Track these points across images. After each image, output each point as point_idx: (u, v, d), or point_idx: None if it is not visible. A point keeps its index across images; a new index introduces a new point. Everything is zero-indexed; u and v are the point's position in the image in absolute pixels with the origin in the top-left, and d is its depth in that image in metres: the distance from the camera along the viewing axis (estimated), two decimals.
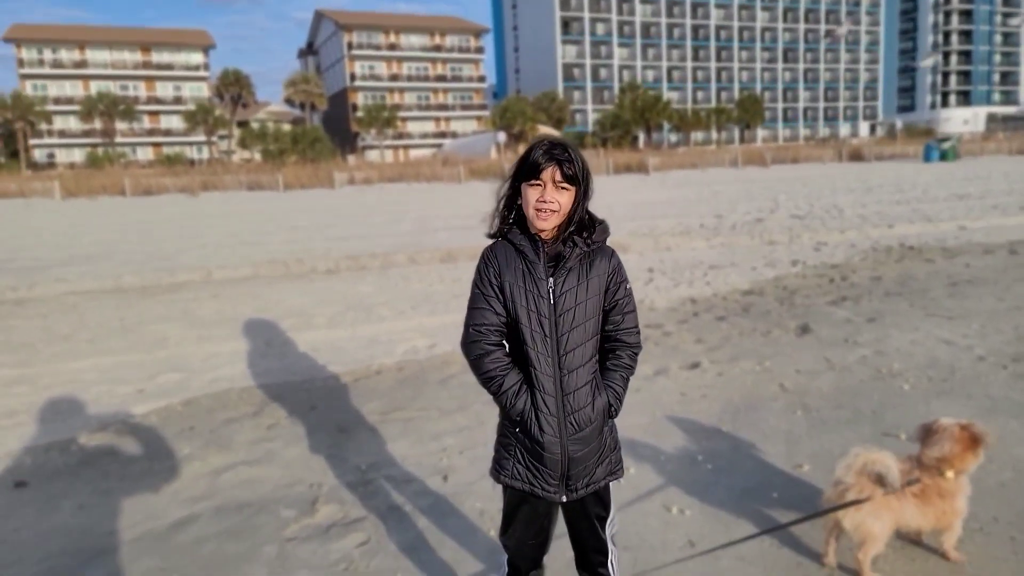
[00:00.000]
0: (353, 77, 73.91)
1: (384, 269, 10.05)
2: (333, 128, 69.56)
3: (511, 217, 1.95)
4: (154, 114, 68.84)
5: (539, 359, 1.90)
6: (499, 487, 2.08)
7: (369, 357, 5.71)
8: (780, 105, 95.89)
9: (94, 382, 5.28)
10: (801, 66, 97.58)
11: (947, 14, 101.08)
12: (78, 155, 62.20)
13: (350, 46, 73.79)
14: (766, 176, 31.52)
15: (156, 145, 67.38)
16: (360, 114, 66.31)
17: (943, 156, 37.99)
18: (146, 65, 68.91)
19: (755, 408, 4.32)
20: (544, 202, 1.84)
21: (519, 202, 1.92)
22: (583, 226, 1.92)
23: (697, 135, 78.27)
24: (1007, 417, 4.03)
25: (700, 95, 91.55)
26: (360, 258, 10.48)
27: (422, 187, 32.67)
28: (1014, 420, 3.98)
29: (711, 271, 8.98)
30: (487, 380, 1.96)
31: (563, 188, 1.84)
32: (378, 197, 27.01)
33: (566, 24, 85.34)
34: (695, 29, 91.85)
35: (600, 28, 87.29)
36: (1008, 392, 4.40)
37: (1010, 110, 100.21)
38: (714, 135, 78.65)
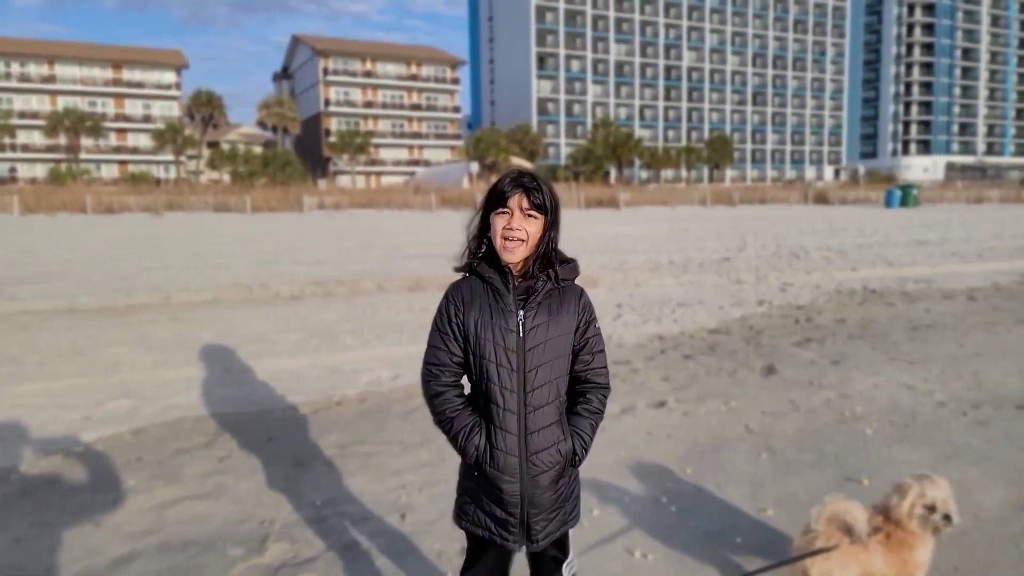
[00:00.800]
0: (327, 102, 74.00)
1: (351, 296, 9.89)
2: (305, 152, 69.35)
3: (480, 250, 1.91)
4: (121, 131, 68.01)
5: (503, 395, 1.84)
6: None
7: (331, 387, 5.56)
8: (749, 146, 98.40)
9: (40, 407, 5.05)
10: (769, 110, 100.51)
11: (908, 66, 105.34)
12: (40, 170, 60.96)
13: (325, 71, 74.00)
14: (734, 215, 32.11)
15: (122, 163, 66.43)
16: (333, 139, 66.23)
17: (903, 202, 39.18)
18: (116, 82, 68.23)
19: (720, 449, 4.29)
20: (511, 230, 1.80)
21: (489, 234, 1.88)
22: (552, 261, 1.88)
23: (667, 172, 79.76)
24: (967, 464, 4.05)
25: (671, 134, 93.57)
26: (326, 284, 10.31)
27: (393, 214, 32.58)
28: (974, 467, 4.01)
29: (679, 308, 9.02)
30: (438, 421, 1.93)
31: (530, 216, 1.82)
32: (348, 223, 26.81)
33: (541, 60, 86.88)
34: (667, 70, 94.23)
35: (575, 65, 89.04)
36: (968, 439, 4.44)
37: (968, 160, 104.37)
38: (684, 173, 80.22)
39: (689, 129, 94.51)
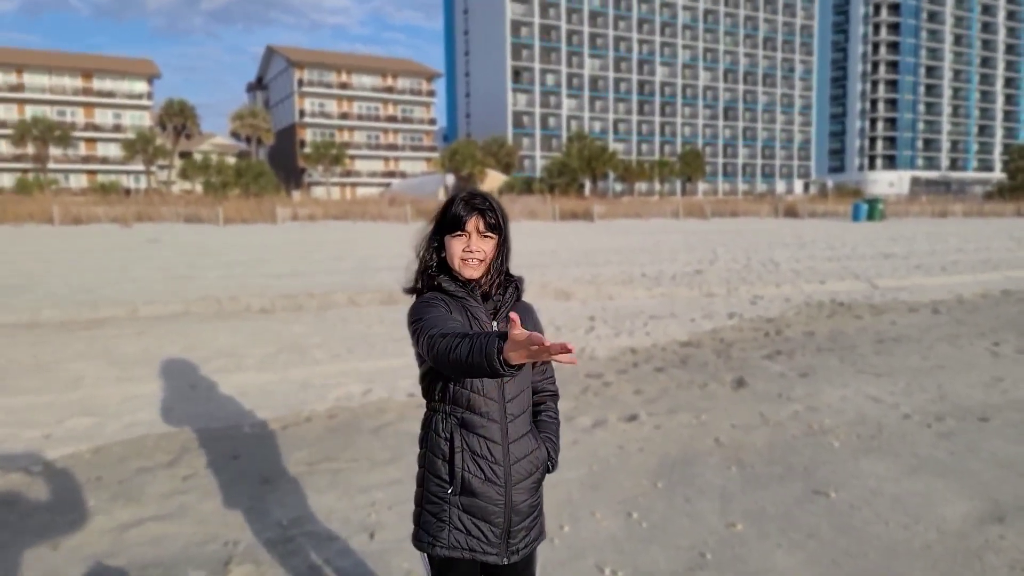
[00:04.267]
0: (302, 113, 73.62)
1: (322, 309, 9.78)
2: (279, 163, 68.86)
3: (434, 271, 1.92)
4: (91, 141, 66.94)
5: (486, 403, 1.86)
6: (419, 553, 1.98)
7: (300, 403, 5.48)
8: (720, 160, 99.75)
9: None
10: (740, 124, 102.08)
11: (874, 83, 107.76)
12: (7, 180, 59.63)
13: (300, 83, 73.68)
14: (706, 228, 32.46)
15: (91, 173, 65.33)
16: (308, 150, 65.80)
17: (870, 216, 39.97)
18: (86, 92, 67.26)
19: (691, 463, 4.31)
20: (470, 251, 1.85)
21: (442, 255, 1.91)
22: (510, 276, 1.96)
23: (641, 186, 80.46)
24: (932, 476, 4.11)
25: (644, 147, 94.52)
26: (297, 297, 10.18)
27: (367, 226, 32.39)
28: (939, 479, 4.06)
29: (651, 321, 9.07)
30: (457, 343, 1.62)
31: (487, 237, 1.87)
32: (321, 234, 26.59)
33: (517, 73, 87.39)
34: (641, 84, 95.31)
35: (550, 79, 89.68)
36: (932, 451, 4.50)
37: (932, 175, 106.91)
38: (657, 186, 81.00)
39: (662, 143, 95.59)
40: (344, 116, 75.84)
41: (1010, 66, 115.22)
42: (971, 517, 3.58)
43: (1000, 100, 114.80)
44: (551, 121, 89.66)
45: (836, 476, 4.09)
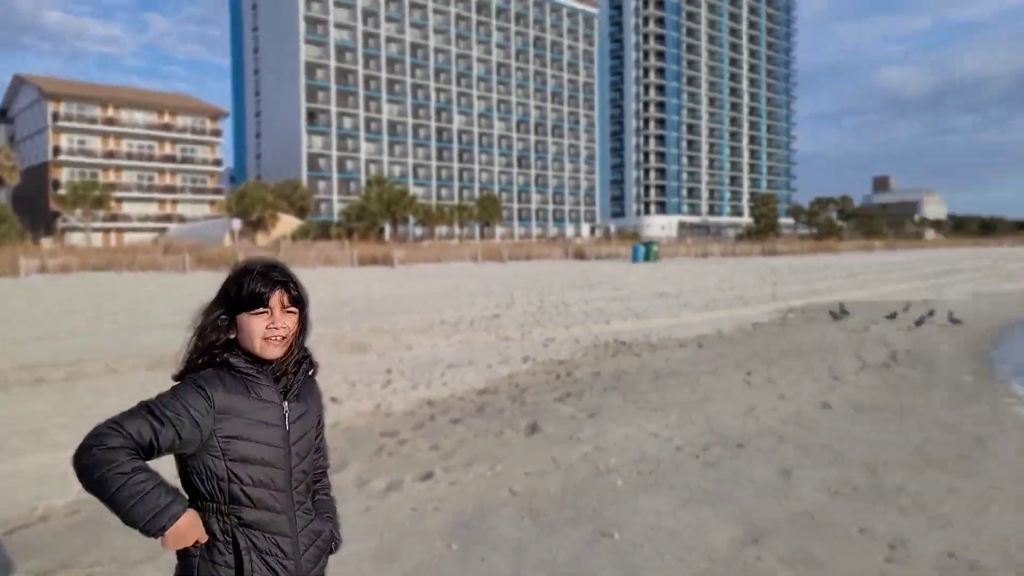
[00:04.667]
0: (57, 151, 65.42)
1: (70, 380, 8.43)
2: (26, 207, 60.34)
3: (218, 352, 1.72)
4: None
5: (275, 497, 1.69)
6: None
7: (33, 498, 4.58)
8: (516, 205, 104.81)
9: None
10: (533, 172, 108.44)
11: (646, 137, 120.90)
12: None
13: (56, 116, 65.58)
14: (503, 271, 33.61)
15: None
16: (63, 192, 58.33)
17: (646, 257, 44.21)
18: None
19: (486, 517, 4.26)
20: (275, 328, 1.70)
21: (232, 336, 1.72)
22: (306, 352, 1.85)
23: (441, 229, 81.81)
24: (701, 505, 4.41)
25: (444, 192, 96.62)
26: (38, 368, 8.70)
27: (136, 276, 29.18)
28: (707, 508, 4.37)
29: (449, 370, 9.04)
30: (104, 461, 1.51)
31: (289, 312, 1.74)
32: (77, 288, 23.41)
33: (312, 115, 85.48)
34: (439, 131, 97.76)
35: (347, 122, 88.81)
36: (700, 481, 4.86)
37: (695, 219, 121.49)
38: (457, 230, 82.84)
39: (461, 188, 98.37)
40: (110, 155, 68.57)
41: (753, 126, 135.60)
42: (735, 542, 3.90)
43: (746, 155, 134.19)
44: (349, 164, 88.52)
45: (620, 515, 4.26)
